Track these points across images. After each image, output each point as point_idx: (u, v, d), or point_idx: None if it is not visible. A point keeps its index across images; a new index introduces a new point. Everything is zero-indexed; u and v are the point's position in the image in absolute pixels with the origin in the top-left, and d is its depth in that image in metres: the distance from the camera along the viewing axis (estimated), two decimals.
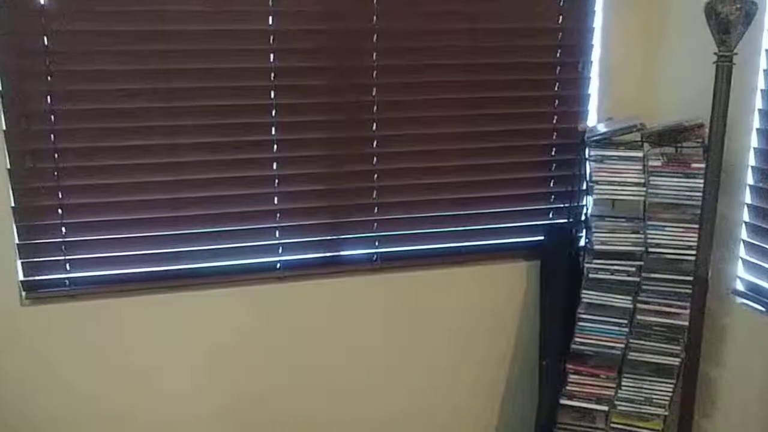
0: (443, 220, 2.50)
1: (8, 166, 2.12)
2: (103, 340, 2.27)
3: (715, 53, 1.92)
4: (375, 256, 2.47)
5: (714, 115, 1.96)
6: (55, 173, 2.17)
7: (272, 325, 2.40)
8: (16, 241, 2.17)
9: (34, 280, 2.22)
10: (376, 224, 2.45)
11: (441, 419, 2.63)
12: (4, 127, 2.09)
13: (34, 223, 2.18)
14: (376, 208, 2.44)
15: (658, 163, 2.24)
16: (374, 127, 2.38)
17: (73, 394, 2.28)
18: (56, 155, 2.15)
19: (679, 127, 2.25)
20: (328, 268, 2.44)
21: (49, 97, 2.12)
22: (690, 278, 2.17)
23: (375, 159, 2.41)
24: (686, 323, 2.22)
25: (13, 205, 2.14)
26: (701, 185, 2.10)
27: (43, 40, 2.08)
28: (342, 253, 2.45)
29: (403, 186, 2.44)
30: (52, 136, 2.14)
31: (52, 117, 2.13)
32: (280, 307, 2.40)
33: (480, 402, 2.66)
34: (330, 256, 2.44)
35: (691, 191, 2.22)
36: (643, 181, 2.25)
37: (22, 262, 2.19)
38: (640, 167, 2.26)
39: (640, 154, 2.27)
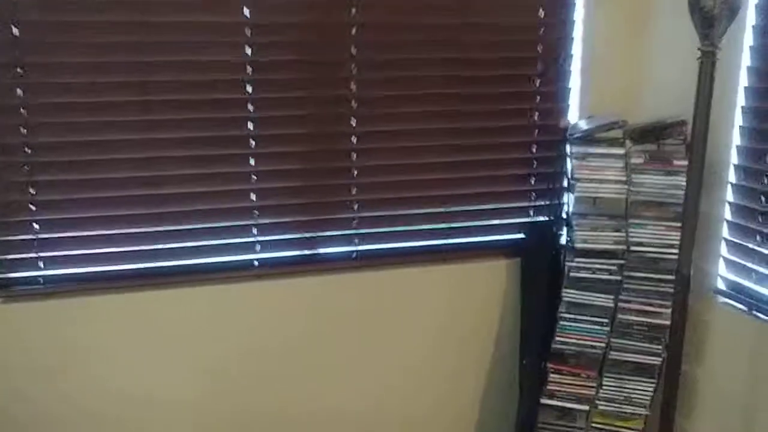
0: (423, 217, 2.47)
1: None
2: (78, 338, 2.23)
3: (699, 48, 1.90)
4: (354, 253, 2.44)
5: (697, 111, 1.93)
6: (27, 168, 2.12)
7: (249, 324, 2.37)
8: None
9: (7, 277, 2.18)
10: (355, 221, 2.41)
11: (420, 418, 2.61)
12: None
13: (5, 220, 2.14)
14: (355, 205, 2.40)
15: (640, 161, 2.22)
16: (354, 123, 2.34)
17: (49, 393, 2.24)
18: (27, 149, 2.11)
19: (662, 124, 2.23)
20: (307, 266, 2.40)
21: (19, 90, 2.07)
22: (672, 277, 2.15)
23: (354, 155, 2.37)
24: (668, 322, 2.20)
25: None
26: (683, 183, 2.09)
27: (13, 30, 2.03)
28: (321, 250, 2.42)
29: (383, 183, 2.41)
30: (23, 129, 2.10)
31: (23, 110, 2.09)
32: (258, 305, 2.37)
33: (459, 401, 2.63)
34: (309, 254, 2.41)
35: (673, 189, 2.20)
36: (625, 178, 2.23)
37: None
38: (622, 164, 2.24)
39: (622, 152, 2.25)
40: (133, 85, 2.15)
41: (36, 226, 2.16)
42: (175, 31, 2.16)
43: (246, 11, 2.18)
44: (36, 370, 2.22)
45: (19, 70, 2.06)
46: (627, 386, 2.30)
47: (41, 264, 2.19)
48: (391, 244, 2.47)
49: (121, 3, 2.09)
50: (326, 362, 2.47)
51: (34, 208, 2.15)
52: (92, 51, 2.11)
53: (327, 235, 2.41)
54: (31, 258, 2.18)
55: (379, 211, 2.43)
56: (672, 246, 2.19)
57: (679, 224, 2.12)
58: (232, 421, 2.42)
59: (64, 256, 2.21)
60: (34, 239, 2.17)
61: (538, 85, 2.47)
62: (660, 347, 2.26)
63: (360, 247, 2.44)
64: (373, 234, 2.44)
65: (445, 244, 2.50)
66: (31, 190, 2.14)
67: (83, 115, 2.13)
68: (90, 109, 2.13)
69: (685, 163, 2.12)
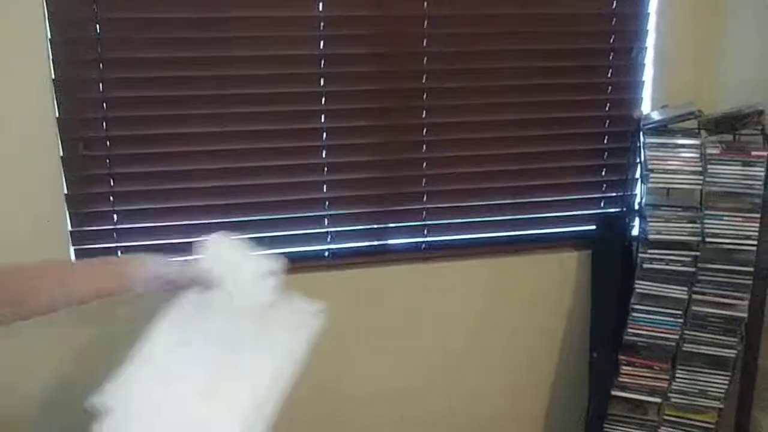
0: (493, 209, 2.46)
1: (61, 154, 2.13)
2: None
3: None
4: (423, 244, 2.45)
5: None
6: (107, 161, 2.17)
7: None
8: (69, 228, 2.18)
9: None
10: (425, 213, 2.42)
11: (488, 411, 2.61)
12: (57, 115, 2.10)
13: (86, 211, 2.20)
14: (425, 197, 2.41)
15: (716, 151, 2.18)
16: (424, 115, 2.35)
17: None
18: (108, 143, 2.16)
19: (738, 114, 2.18)
20: (377, 257, 2.41)
21: (101, 85, 2.12)
22: (748, 269, 2.13)
23: (424, 147, 2.38)
24: (743, 315, 2.18)
25: (66, 192, 2.16)
26: (761, 173, 2.06)
27: (96, 27, 2.09)
28: (390, 241, 2.43)
29: (453, 174, 2.41)
30: (104, 123, 2.15)
31: (104, 104, 2.14)
32: (328, 295, 2.37)
33: (528, 393, 2.63)
34: (378, 245, 2.43)
35: (750, 180, 2.16)
36: (700, 169, 2.19)
37: (74, 249, 2.21)
38: (698, 155, 2.20)
39: (698, 142, 2.21)
40: (209, 79, 2.19)
41: (114, 216, 2.21)
42: (251, 26, 2.18)
43: (320, 5, 2.20)
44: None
45: (100, 65, 2.11)
46: (701, 379, 2.27)
47: (119, 254, 2.24)
48: (460, 236, 2.47)
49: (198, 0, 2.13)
50: (393, 353, 2.48)
51: (112, 199, 2.20)
52: (169, 47, 2.15)
53: (396, 227, 2.42)
54: (109, 248, 2.23)
55: (449, 202, 2.43)
56: (749, 237, 2.16)
57: (756, 215, 2.10)
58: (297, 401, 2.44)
59: (142, 246, 2.25)
60: (113, 230, 2.22)
61: (610, 76, 2.45)
62: (735, 340, 2.22)
63: (429, 239, 2.45)
64: (443, 225, 2.44)
65: (514, 236, 2.49)
66: (111, 182, 2.19)
67: (160, 108, 2.18)
68: (166, 103, 2.18)
69: (764, 153, 2.09)
